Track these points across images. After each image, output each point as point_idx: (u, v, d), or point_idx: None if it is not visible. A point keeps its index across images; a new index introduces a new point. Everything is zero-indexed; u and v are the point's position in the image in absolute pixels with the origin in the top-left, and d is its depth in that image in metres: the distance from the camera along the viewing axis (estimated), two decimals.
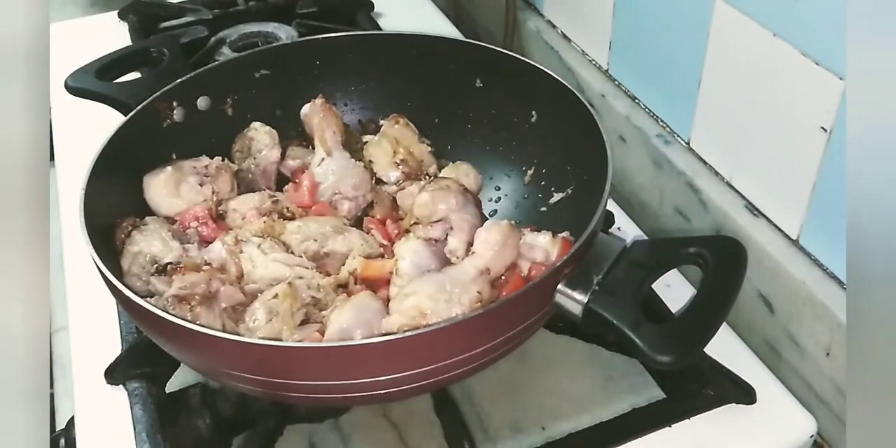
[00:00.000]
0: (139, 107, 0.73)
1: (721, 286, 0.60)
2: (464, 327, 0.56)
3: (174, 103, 0.76)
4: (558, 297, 0.59)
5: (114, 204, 0.69)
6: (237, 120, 0.81)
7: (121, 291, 0.58)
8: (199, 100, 0.78)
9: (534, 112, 0.79)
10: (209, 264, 0.67)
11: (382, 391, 0.58)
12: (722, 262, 0.61)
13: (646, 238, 0.83)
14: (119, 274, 0.65)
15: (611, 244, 0.63)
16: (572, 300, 0.59)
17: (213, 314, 0.63)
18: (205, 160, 0.75)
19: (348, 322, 0.62)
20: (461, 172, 0.79)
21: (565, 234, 0.69)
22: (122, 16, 1.15)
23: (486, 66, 0.80)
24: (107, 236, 0.67)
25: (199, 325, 0.57)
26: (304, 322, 0.64)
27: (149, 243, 0.67)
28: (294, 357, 0.56)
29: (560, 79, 0.74)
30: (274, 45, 0.87)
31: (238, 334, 0.62)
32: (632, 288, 0.60)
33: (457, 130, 0.83)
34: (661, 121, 0.86)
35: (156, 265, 0.66)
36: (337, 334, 0.61)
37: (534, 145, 0.80)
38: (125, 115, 0.73)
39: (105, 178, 0.66)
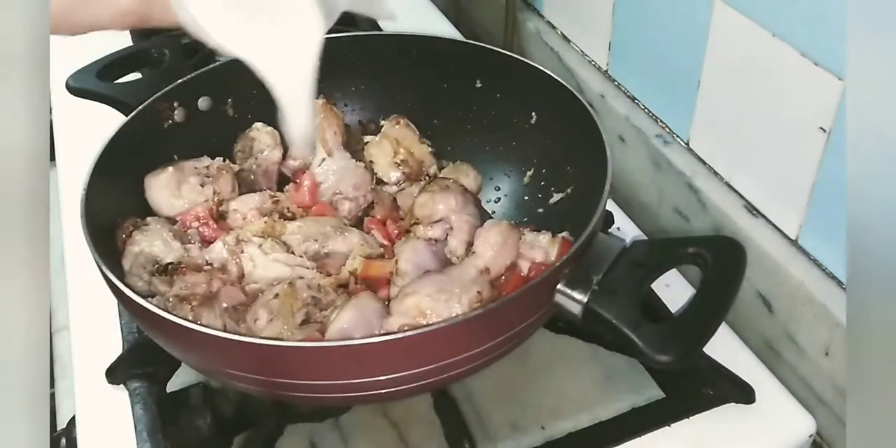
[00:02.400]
0: (140, 107, 0.73)
1: (720, 286, 0.60)
2: (464, 327, 0.56)
3: (175, 104, 0.76)
4: (558, 297, 0.59)
5: (115, 204, 0.69)
6: (238, 120, 0.81)
7: (122, 291, 0.58)
8: (199, 100, 0.79)
9: (533, 113, 0.79)
10: (210, 264, 0.68)
11: (383, 391, 0.58)
12: (721, 262, 0.62)
13: (645, 238, 0.83)
14: (120, 274, 0.65)
15: (610, 244, 0.63)
16: (572, 300, 0.59)
17: (213, 314, 0.63)
18: (206, 161, 0.76)
19: (349, 322, 0.62)
20: (461, 173, 0.80)
21: (565, 233, 0.70)
22: None
23: (486, 67, 0.80)
24: (108, 236, 0.67)
25: (200, 324, 0.57)
26: (305, 322, 0.64)
27: (150, 243, 0.67)
28: (294, 356, 0.56)
29: (559, 79, 0.74)
30: None
31: (239, 334, 0.62)
32: (631, 288, 0.60)
33: (456, 131, 0.84)
34: (661, 121, 0.86)
35: (157, 265, 0.66)
36: (337, 334, 0.62)
37: (533, 146, 0.80)
38: (126, 116, 0.73)
39: (106, 179, 0.66)
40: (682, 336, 0.58)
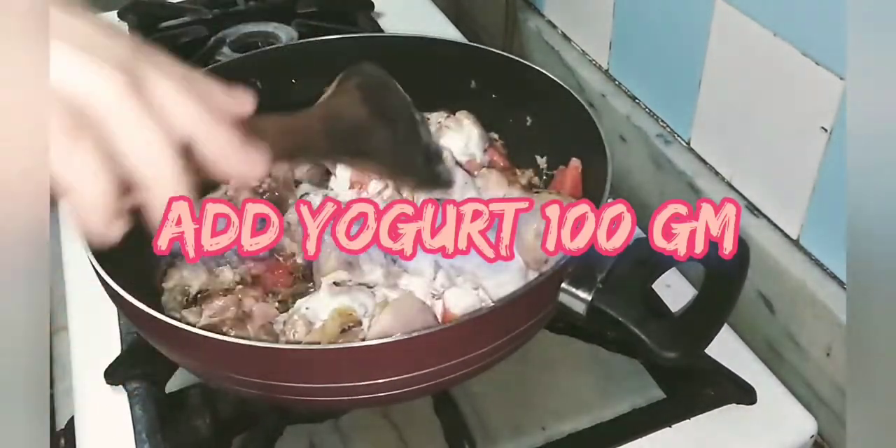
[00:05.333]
0: None
1: (725, 282, 0.60)
2: (467, 328, 0.55)
3: None
4: (562, 296, 0.59)
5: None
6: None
7: (110, 285, 0.57)
8: None
9: (532, 113, 0.79)
10: (243, 282, 0.67)
11: (386, 393, 0.57)
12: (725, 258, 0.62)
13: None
14: (117, 277, 0.64)
15: None
16: (576, 298, 0.59)
17: (248, 335, 0.63)
18: (221, 189, 0.73)
19: (389, 326, 0.61)
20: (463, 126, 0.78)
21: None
22: (122, 15, 1.15)
23: (484, 69, 0.80)
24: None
25: (189, 324, 0.56)
26: (344, 331, 0.63)
27: (181, 275, 0.66)
28: (291, 359, 0.55)
29: (555, 78, 0.74)
30: (267, 48, 0.87)
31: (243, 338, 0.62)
32: (636, 285, 0.60)
33: None
34: (662, 121, 0.86)
35: (186, 297, 0.65)
36: (378, 336, 0.60)
37: (531, 146, 0.80)
38: None
39: None
40: (689, 332, 0.58)
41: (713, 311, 0.59)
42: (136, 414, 0.67)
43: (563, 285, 0.59)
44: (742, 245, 0.63)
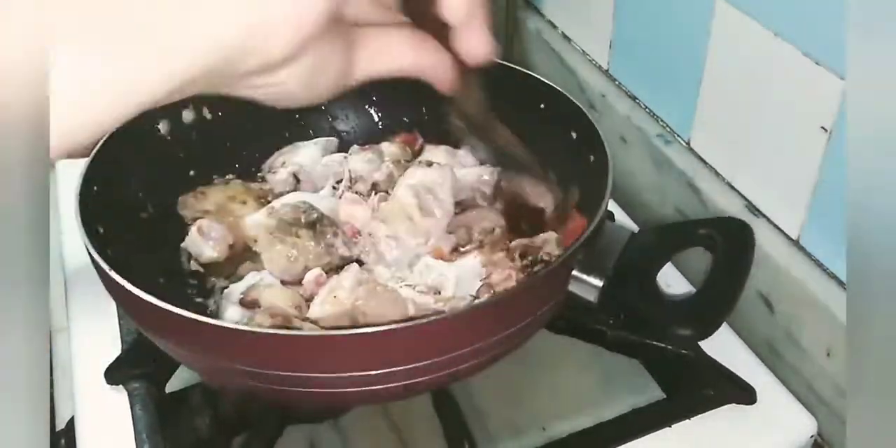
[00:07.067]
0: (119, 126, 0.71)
1: (733, 263, 0.62)
2: (476, 316, 0.55)
3: (157, 117, 0.74)
4: (573, 285, 0.59)
5: (113, 202, 0.68)
6: (227, 133, 0.79)
7: (107, 273, 0.56)
8: (183, 113, 0.77)
9: (529, 116, 0.78)
10: None
11: (396, 384, 0.56)
12: (731, 241, 0.63)
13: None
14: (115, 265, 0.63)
15: (620, 232, 0.63)
16: (588, 285, 0.59)
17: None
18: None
19: None
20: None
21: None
22: None
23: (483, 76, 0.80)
24: (105, 238, 0.66)
25: (184, 309, 0.54)
26: None
27: None
28: (289, 345, 0.54)
29: (551, 83, 0.74)
30: None
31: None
32: (646, 269, 0.61)
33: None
34: (662, 121, 0.86)
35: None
36: None
37: (531, 147, 0.80)
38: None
39: (99, 187, 0.65)
40: (703, 310, 0.58)
41: (726, 288, 0.60)
42: (136, 414, 0.67)
43: (575, 272, 0.59)
44: (745, 226, 0.64)
